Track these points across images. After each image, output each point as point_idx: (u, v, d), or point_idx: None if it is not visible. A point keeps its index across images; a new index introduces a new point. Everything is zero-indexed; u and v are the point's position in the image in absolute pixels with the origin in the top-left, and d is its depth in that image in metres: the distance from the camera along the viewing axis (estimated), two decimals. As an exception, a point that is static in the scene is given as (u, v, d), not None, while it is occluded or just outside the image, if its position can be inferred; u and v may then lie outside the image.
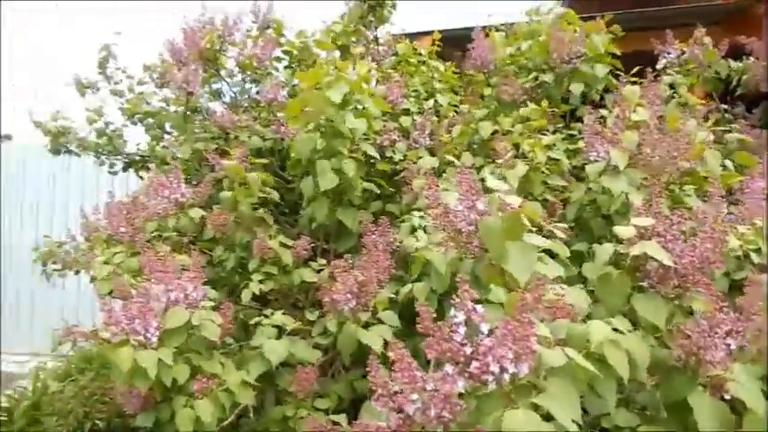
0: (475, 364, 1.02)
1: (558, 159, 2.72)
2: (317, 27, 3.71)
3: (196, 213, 2.81)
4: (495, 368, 1.00)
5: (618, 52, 3.00)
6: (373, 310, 2.16)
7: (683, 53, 3.13)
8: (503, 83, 3.07)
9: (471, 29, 3.19)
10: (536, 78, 3.07)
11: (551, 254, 1.80)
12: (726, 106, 3.15)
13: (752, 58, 3.05)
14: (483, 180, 1.58)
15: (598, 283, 1.49)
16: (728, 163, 2.64)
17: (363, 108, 2.76)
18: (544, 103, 2.90)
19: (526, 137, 2.77)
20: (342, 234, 2.85)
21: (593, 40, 2.96)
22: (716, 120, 2.95)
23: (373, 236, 2.44)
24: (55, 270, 3.47)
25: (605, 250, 1.52)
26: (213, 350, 2.22)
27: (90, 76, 4.38)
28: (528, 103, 2.95)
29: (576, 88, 2.95)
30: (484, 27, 3.28)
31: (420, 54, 3.69)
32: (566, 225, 2.25)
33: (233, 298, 2.70)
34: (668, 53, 3.16)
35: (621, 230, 1.49)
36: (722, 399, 1.36)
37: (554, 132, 2.93)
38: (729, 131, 2.92)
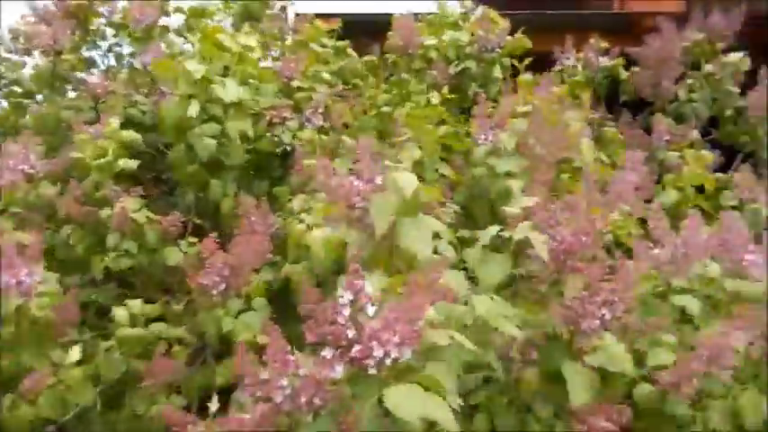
0: (357, 347, 0.94)
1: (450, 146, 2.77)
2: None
3: (47, 188, 2.46)
4: (378, 353, 0.93)
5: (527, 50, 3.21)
6: (247, 296, 2.01)
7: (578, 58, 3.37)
8: (428, 67, 3.15)
9: (384, 15, 3.19)
10: (457, 65, 3.20)
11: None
12: (613, 113, 3.41)
13: (636, 68, 3.32)
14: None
15: (477, 266, 1.49)
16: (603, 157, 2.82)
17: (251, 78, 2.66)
18: (444, 91, 2.97)
19: (423, 123, 2.77)
20: (220, 214, 2.66)
21: (517, 39, 3.18)
22: (599, 121, 3.17)
23: (253, 217, 2.29)
24: None
25: (488, 233, 1.53)
26: (53, 342, 1.95)
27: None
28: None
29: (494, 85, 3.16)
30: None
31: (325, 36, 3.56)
32: (453, 210, 2.29)
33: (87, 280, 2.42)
34: (567, 58, 3.38)
35: (509, 210, 1.51)
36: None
37: (460, 120, 2.99)
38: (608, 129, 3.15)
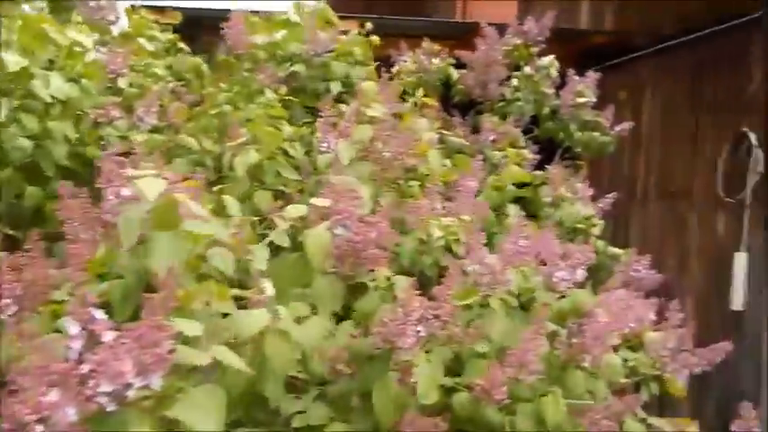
0: (92, 383, 0.85)
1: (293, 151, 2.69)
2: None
3: None
4: (108, 387, 0.84)
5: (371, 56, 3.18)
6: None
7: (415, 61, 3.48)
8: (256, 69, 2.97)
9: (223, 11, 3.01)
10: (290, 67, 3.06)
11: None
12: (447, 114, 3.55)
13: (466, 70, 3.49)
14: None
15: (271, 269, 1.44)
16: (448, 162, 2.91)
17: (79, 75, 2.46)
18: (281, 91, 2.86)
19: (265, 126, 2.67)
20: (39, 222, 2.39)
21: (351, 41, 3.09)
22: (440, 124, 3.28)
23: (75, 224, 2.08)
24: None
25: (279, 233, 1.49)
26: None
27: None
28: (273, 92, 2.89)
29: (335, 86, 3.03)
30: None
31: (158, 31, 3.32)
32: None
33: None
34: (404, 60, 3.49)
35: (289, 210, 1.48)
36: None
37: (304, 125, 2.91)
38: (451, 135, 3.27)
